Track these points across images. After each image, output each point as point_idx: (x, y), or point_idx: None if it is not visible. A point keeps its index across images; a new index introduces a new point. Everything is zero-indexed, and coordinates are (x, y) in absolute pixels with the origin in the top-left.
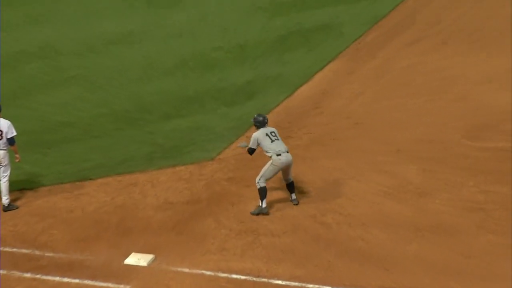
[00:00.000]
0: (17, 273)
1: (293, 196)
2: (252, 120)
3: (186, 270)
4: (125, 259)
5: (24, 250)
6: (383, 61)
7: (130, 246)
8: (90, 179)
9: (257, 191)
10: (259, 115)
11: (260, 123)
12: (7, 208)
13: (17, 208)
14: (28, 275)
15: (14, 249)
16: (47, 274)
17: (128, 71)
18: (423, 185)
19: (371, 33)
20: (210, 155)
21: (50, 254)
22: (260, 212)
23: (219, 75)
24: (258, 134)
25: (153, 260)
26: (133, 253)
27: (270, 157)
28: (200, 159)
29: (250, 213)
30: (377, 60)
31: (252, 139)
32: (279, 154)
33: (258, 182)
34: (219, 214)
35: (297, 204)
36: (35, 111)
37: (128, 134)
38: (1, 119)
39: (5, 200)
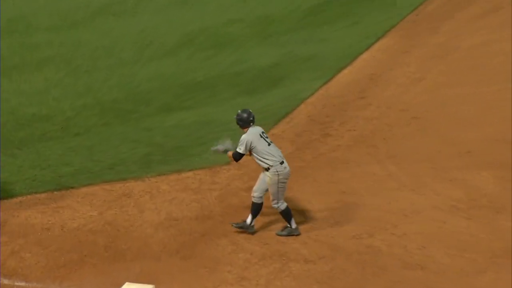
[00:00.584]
0: None
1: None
2: (235, 117)
3: None
4: None
5: None
6: (448, 38)
7: (123, 274)
8: (72, 188)
9: (279, 214)
10: (243, 111)
11: (245, 122)
12: None
13: None
14: None
15: None
16: None
17: (118, 50)
18: (499, 198)
19: (432, 2)
20: (224, 158)
21: (22, 284)
22: (290, 234)
23: (236, 55)
24: (250, 136)
25: None
26: (126, 283)
27: (269, 167)
28: (212, 163)
29: (277, 234)
30: (440, 37)
31: (241, 142)
32: (283, 162)
33: (278, 206)
34: (236, 233)
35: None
36: (3, 102)
37: (119, 131)
38: None
39: None
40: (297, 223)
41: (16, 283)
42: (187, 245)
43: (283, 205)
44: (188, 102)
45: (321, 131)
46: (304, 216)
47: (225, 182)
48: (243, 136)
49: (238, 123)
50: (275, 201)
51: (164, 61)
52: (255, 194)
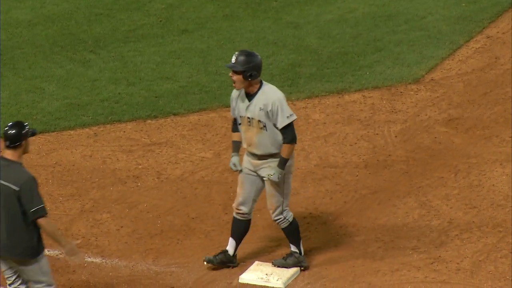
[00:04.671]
0: None
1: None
2: (236, 63)
3: None
4: (241, 273)
5: (45, 251)
6: None
7: (251, 248)
8: (175, 114)
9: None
10: (250, 52)
11: (259, 70)
12: None
13: None
14: None
15: None
16: None
17: None
18: None
19: None
20: (412, 72)
21: (96, 260)
22: (297, 265)
23: None
24: (284, 97)
25: (297, 276)
26: (256, 263)
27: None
28: (392, 80)
29: (274, 263)
30: None
31: (284, 105)
32: None
33: (285, 218)
34: (428, 191)
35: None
36: None
37: (249, 27)
38: None
39: None
40: None
41: (88, 259)
42: (349, 207)
43: (290, 215)
44: None
45: None
46: None
47: (412, 110)
48: (279, 95)
49: (249, 75)
50: (281, 210)
51: None
52: (243, 207)
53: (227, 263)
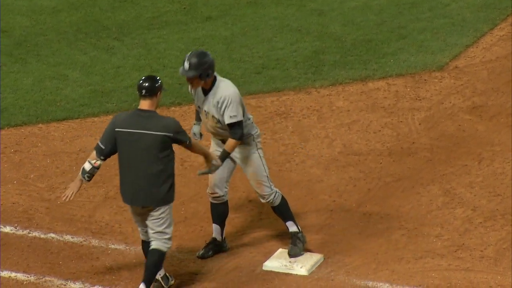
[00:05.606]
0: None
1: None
2: (190, 69)
3: (387, 286)
4: (265, 261)
5: (69, 238)
6: None
7: (274, 235)
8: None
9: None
10: (203, 52)
11: (214, 68)
12: None
13: None
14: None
15: (51, 235)
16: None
17: None
18: None
19: None
20: (436, 60)
21: (120, 247)
22: (304, 243)
23: None
24: (238, 94)
25: (321, 264)
26: (280, 250)
27: (257, 131)
28: (416, 68)
29: (290, 254)
30: None
31: (234, 104)
32: None
33: (275, 191)
34: (452, 179)
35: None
36: None
37: (273, 14)
38: None
39: None
40: None
41: (111, 246)
42: (373, 195)
43: (277, 189)
44: None
45: None
46: None
47: (436, 98)
48: (232, 94)
49: (204, 75)
50: (268, 185)
51: None
52: (218, 190)
53: (219, 250)
